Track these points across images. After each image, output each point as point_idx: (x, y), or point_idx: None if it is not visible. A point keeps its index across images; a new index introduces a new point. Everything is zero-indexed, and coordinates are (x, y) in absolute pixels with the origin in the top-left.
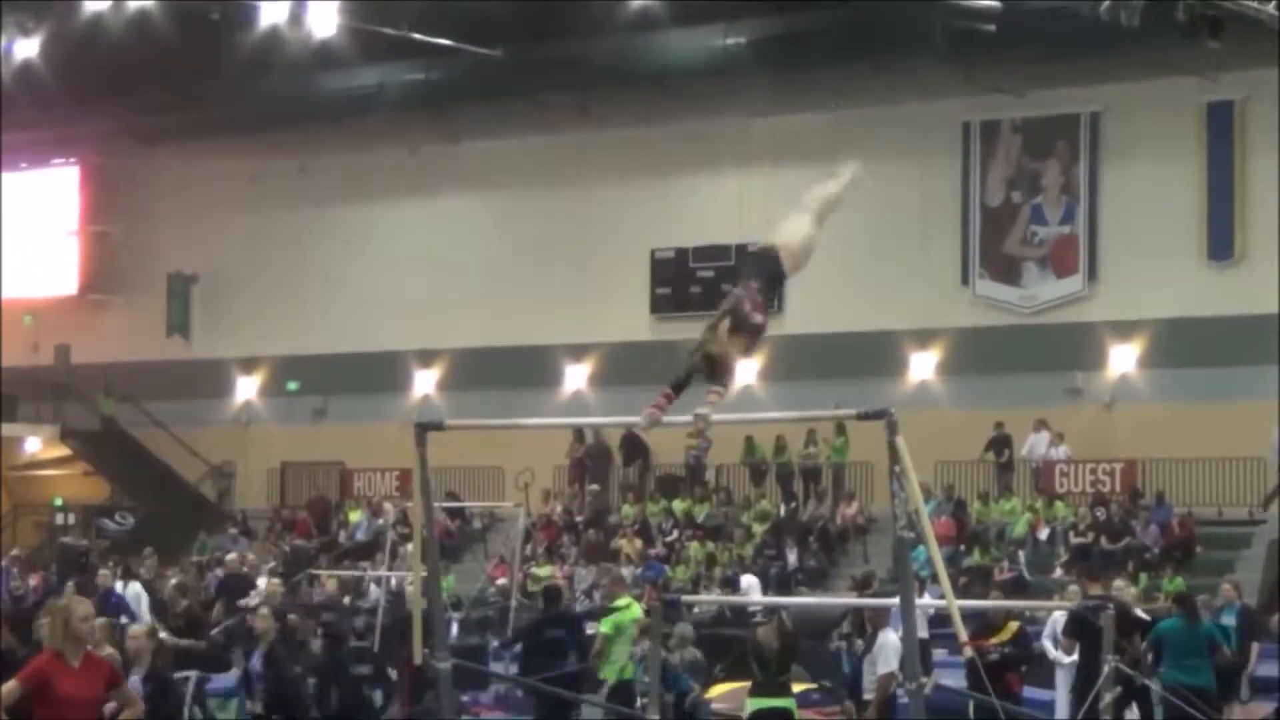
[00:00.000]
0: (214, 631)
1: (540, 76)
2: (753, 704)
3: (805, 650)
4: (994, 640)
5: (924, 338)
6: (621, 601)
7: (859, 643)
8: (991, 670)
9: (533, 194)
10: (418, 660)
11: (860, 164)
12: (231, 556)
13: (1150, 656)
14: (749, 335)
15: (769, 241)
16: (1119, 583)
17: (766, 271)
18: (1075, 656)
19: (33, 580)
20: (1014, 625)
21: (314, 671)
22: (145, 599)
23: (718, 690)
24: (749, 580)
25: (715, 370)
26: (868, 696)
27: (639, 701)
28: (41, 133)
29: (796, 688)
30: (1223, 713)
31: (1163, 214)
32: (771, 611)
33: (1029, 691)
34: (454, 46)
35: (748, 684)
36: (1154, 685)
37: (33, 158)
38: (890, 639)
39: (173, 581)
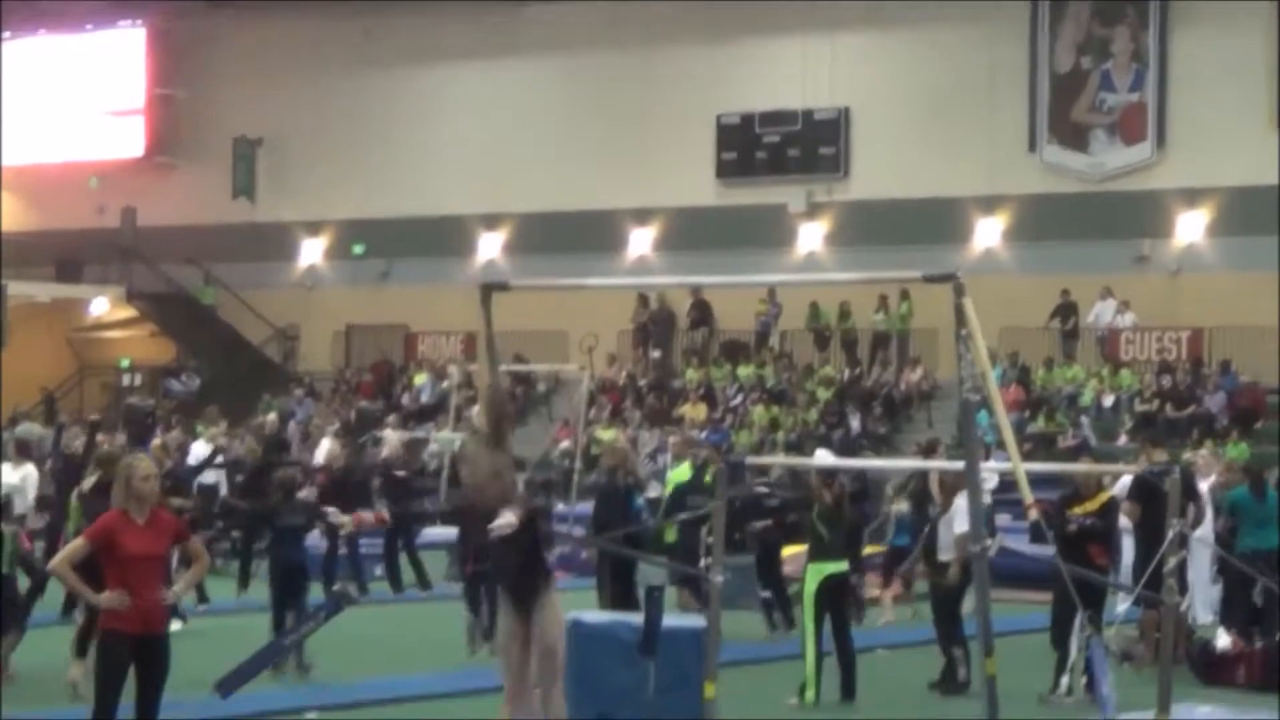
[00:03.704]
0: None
1: None
2: (815, 569)
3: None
4: (1079, 510)
5: (990, 204)
6: (686, 464)
7: (932, 507)
8: (1072, 540)
9: (598, 57)
10: None
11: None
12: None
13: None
14: None
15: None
16: (1203, 451)
17: None
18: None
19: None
20: (1105, 496)
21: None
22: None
23: (785, 553)
24: (823, 454)
25: None
26: (943, 557)
27: (702, 562)
28: None
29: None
30: None
31: (1232, 81)
32: (831, 475)
33: None
34: None
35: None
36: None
37: (99, 20)
38: (965, 501)
39: (156, 442)
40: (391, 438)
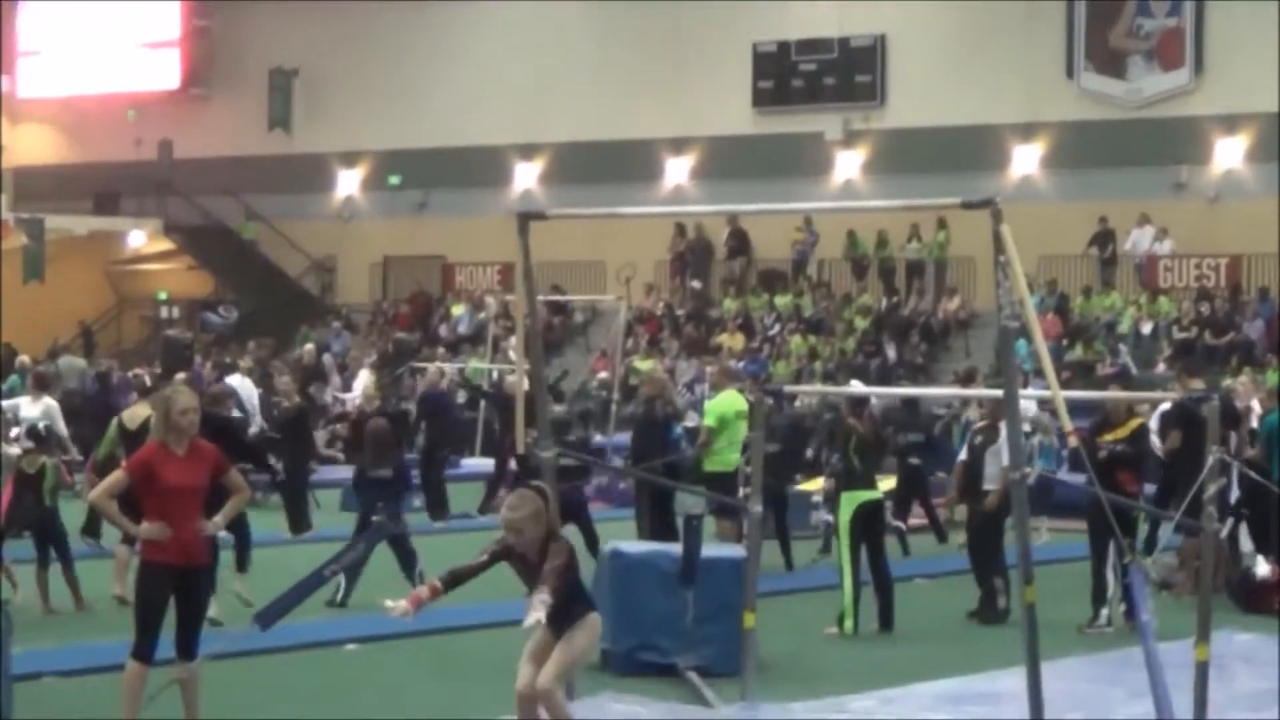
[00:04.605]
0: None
1: None
2: (849, 498)
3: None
4: (1109, 437)
5: (1027, 131)
6: (726, 393)
7: (979, 437)
8: (1102, 467)
9: None
10: (520, 449)
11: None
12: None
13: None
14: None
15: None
16: (1242, 379)
17: None
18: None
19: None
20: (1134, 423)
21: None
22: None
23: (815, 484)
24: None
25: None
26: (988, 486)
27: (741, 492)
28: None
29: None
30: None
31: (1270, 5)
32: (862, 404)
33: None
34: None
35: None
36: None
37: None
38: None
39: (179, 377)
40: (433, 371)
